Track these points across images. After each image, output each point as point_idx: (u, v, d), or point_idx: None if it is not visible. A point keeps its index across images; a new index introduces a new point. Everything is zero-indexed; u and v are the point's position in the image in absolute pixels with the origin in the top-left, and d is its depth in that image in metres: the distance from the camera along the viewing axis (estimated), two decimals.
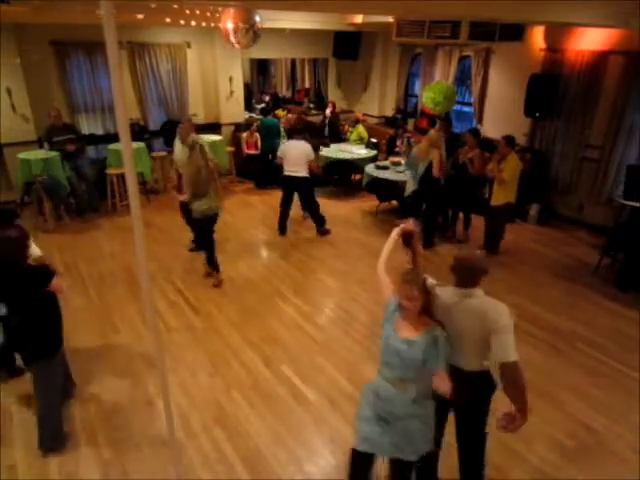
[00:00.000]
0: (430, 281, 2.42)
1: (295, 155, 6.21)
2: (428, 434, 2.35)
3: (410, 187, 6.16)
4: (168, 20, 6.17)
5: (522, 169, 5.74)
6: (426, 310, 2.28)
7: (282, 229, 6.56)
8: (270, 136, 8.26)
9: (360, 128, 8.91)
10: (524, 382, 2.16)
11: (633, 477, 2.99)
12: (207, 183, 4.84)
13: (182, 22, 6.21)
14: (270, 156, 8.17)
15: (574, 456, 3.12)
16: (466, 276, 2.31)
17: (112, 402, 3.52)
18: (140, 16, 5.70)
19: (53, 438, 3.08)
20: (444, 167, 5.89)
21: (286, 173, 6.29)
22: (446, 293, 2.36)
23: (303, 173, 6.22)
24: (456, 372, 2.27)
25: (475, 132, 6.18)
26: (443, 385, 2.07)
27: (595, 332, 4.48)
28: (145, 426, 3.30)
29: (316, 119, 10.07)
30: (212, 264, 5.19)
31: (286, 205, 6.48)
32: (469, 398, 2.39)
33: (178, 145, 5.43)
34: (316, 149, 7.47)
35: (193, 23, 6.33)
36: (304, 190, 6.41)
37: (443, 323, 2.28)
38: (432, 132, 5.91)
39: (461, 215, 6.53)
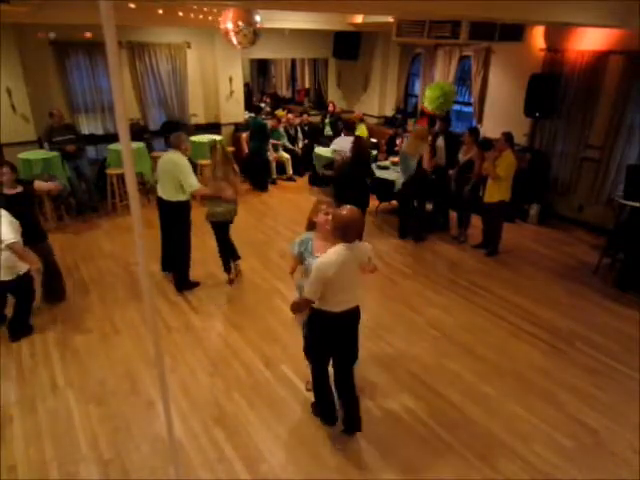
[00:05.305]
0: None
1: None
2: None
3: (399, 182, 6.30)
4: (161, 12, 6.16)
5: (522, 169, 5.75)
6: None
7: None
8: (259, 137, 8.25)
9: (362, 126, 8.96)
10: None
11: (633, 477, 2.99)
12: None
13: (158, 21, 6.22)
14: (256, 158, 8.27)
15: (574, 456, 3.13)
16: (354, 231, 2.72)
17: (112, 402, 3.52)
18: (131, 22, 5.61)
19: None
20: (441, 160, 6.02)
21: None
22: (335, 253, 2.71)
23: None
24: (351, 314, 2.93)
25: (474, 131, 6.20)
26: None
27: (595, 332, 4.48)
28: (145, 426, 3.30)
29: (316, 119, 10.09)
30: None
31: None
32: (356, 329, 3.06)
33: None
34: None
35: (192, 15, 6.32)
36: None
37: (338, 279, 2.72)
38: (418, 127, 6.04)
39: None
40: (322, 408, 3.33)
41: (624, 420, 3.44)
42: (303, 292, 2.87)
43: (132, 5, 5.24)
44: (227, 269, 5.22)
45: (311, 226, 3.22)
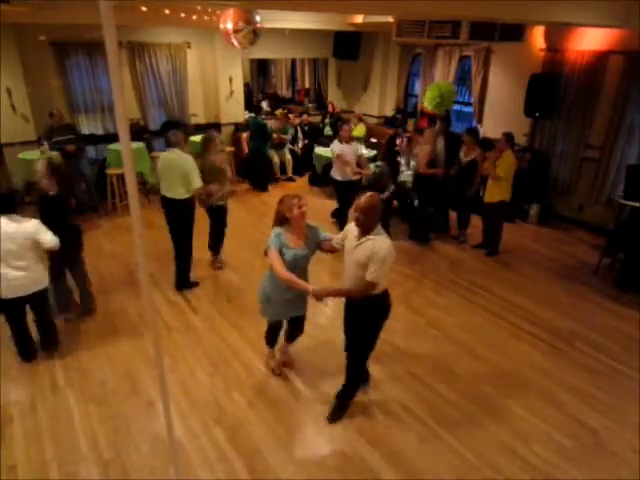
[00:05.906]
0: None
1: (354, 159, 6.26)
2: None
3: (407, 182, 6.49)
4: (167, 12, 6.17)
5: (522, 169, 5.75)
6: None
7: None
8: (259, 137, 8.21)
9: (360, 125, 8.97)
10: None
11: (633, 477, 2.99)
12: None
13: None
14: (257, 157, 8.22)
15: (574, 456, 3.13)
16: (379, 215, 2.95)
17: (112, 402, 3.52)
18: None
19: None
20: (440, 164, 6.05)
21: (345, 179, 6.27)
22: (386, 239, 2.92)
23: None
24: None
25: (472, 131, 6.18)
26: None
27: (595, 332, 4.48)
28: (145, 426, 3.30)
29: (316, 119, 10.09)
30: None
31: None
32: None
33: None
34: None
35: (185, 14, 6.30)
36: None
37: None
38: (426, 130, 6.07)
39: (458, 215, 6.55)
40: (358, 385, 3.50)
41: (624, 420, 3.44)
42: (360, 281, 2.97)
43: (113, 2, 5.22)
44: (217, 250, 5.55)
45: (281, 220, 3.22)
